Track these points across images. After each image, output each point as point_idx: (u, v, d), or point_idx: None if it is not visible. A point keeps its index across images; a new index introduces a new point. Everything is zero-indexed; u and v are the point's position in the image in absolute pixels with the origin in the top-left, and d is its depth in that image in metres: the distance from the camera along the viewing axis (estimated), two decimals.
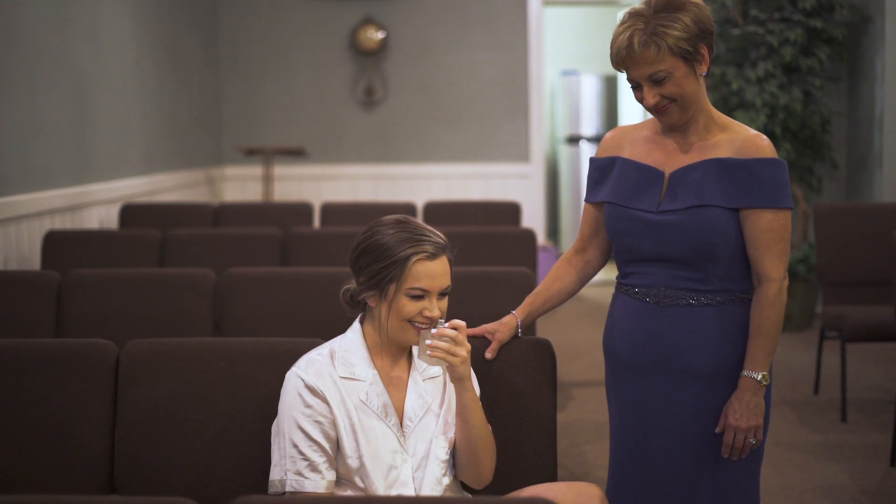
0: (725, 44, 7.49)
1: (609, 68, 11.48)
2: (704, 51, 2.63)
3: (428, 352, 2.50)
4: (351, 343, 2.61)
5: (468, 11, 8.83)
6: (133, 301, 4.03)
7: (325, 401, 2.51)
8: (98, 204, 6.15)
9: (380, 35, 8.78)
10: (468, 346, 2.53)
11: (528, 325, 2.89)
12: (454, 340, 2.50)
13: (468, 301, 3.86)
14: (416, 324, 2.55)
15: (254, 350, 2.78)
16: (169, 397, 2.75)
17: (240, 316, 4.00)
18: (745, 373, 2.69)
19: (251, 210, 6.38)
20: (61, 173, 5.69)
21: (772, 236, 2.65)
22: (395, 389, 2.60)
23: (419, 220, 2.65)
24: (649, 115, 2.77)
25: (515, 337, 2.82)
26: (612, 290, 2.91)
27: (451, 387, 2.63)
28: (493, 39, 8.84)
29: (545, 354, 2.80)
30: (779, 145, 7.26)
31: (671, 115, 2.67)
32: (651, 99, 2.64)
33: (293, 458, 2.50)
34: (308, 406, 2.51)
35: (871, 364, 6.38)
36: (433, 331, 2.50)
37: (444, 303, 2.59)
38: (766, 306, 2.67)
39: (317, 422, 2.50)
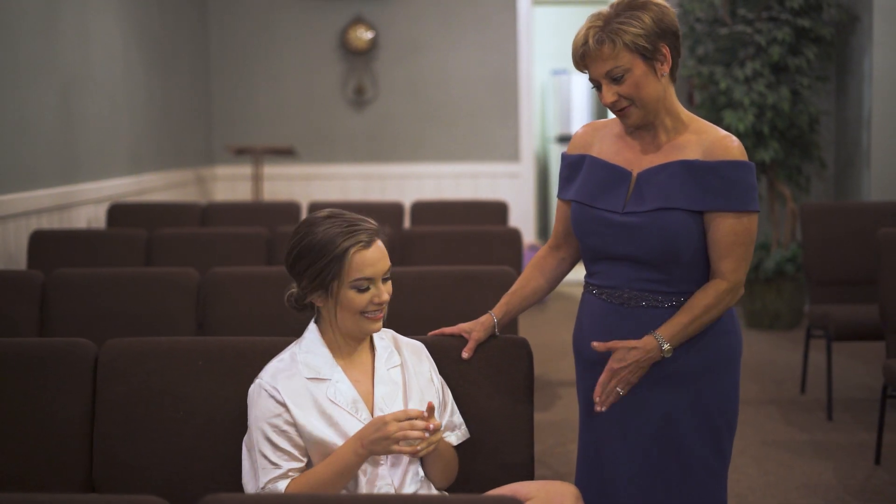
0: (714, 43, 7.50)
1: None
2: (666, 51, 2.62)
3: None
4: (310, 344, 2.61)
5: (458, 11, 8.83)
6: (117, 301, 4.02)
7: (287, 409, 2.51)
8: (86, 203, 6.15)
9: (369, 35, 8.78)
10: (427, 424, 2.45)
11: (507, 325, 2.89)
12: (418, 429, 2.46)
13: (450, 300, 3.86)
14: (368, 314, 2.56)
15: (232, 349, 2.78)
16: (148, 396, 2.75)
17: (223, 316, 4.00)
18: (655, 334, 2.64)
19: (238, 209, 6.38)
20: (48, 173, 5.69)
21: (733, 240, 2.63)
22: (362, 383, 2.61)
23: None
24: None
25: (493, 336, 2.83)
26: None
27: (414, 381, 2.64)
28: (483, 39, 8.85)
29: (522, 353, 2.80)
30: (767, 144, 7.27)
31: (630, 116, 2.65)
32: (609, 97, 2.63)
33: (265, 469, 2.50)
34: (275, 415, 2.51)
35: (857, 363, 6.39)
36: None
37: (389, 285, 2.60)
38: (709, 294, 2.64)
39: (283, 430, 2.51)
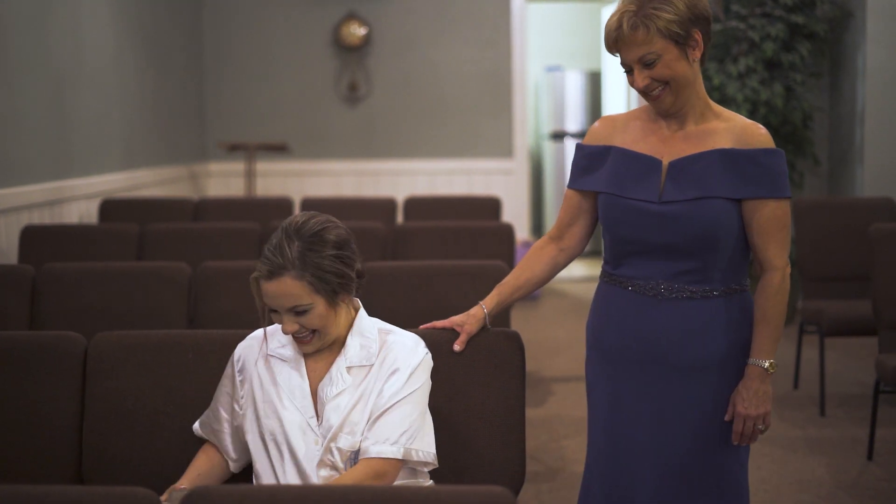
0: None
1: (594, 64, 11.57)
2: (698, 36, 2.62)
3: None
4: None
5: (452, 7, 8.82)
6: (108, 295, 4.01)
7: (246, 378, 2.61)
8: (78, 199, 6.13)
9: (363, 31, 8.77)
10: None
11: (499, 315, 2.87)
12: None
13: (443, 295, 3.86)
14: (296, 336, 2.54)
15: (222, 342, 2.77)
16: (137, 389, 2.74)
17: (215, 310, 3.99)
18: (752, 361, 2.69)
19: (231, 205, 6.36)
20: (40, 168, 5.68)
21: (775, 225, 2.66)
22: (317, 374, 2.60)
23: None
24: (635, 107, 2.77)
25: (484, 328, 2.81)
26: (594, 285, 2.87)
27: (373, 391, 2.56)
28: (477, 35, 8.84)
29: (514, 346, 2.79)
30: None
31: (664, 101, 2.65)
32: (641, 81, 2.62)
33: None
34: (227, 376, 2.64)
35: (850, 359, 6.40)
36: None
37: (309, 318, 2.49)
38: (770, 294, 2.70)
39: (227, 393, 2.63)
